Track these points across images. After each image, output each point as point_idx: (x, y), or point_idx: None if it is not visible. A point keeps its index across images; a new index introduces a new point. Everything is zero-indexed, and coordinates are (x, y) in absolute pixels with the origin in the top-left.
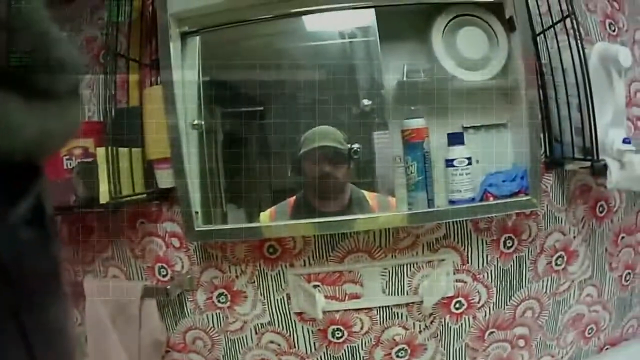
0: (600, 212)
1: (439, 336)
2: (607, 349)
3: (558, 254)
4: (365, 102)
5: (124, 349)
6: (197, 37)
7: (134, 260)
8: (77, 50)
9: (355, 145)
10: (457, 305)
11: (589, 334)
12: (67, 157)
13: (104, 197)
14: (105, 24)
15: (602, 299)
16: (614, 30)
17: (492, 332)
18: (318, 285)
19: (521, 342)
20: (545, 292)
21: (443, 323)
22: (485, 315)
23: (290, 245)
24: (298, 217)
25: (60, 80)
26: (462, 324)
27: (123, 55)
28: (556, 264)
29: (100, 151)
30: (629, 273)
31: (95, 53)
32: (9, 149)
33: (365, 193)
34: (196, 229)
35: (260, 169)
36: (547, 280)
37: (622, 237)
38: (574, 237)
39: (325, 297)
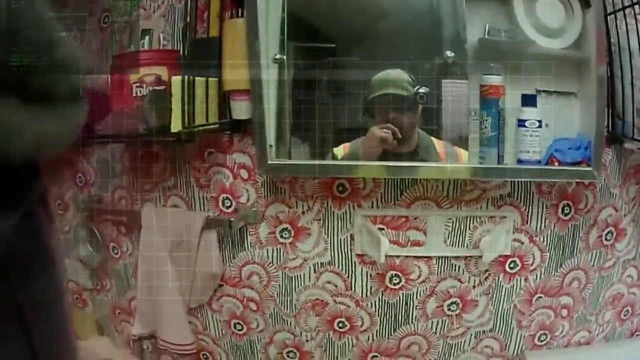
0: None
1: (490, 294)
2: (637, 335)
3: (609, 229)
4: (449, 53)
5: (176, 279)
6: None
7: (198, 190)
8: (79, 51)
9: (422, 90)
10: (512, 265)
11: (624, 315)
12: (137, 84)
13: (175, 125)
14: None
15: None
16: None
17: (539, 297)
18: (383, 229)
19: (564, 312)
20: (593, 265)
21: (496, 281)
22: (536, 278)
23: (360, 185)
24: (369, 156)
25: (60, 83)
26: (513, 285)
27: None
28: (606, 239)
29: (176, 80)
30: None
31: None
32: (7, 152)
33: (434, 140)
34: (269, 162)
35: (335, 109)
36: (596, 253)
37: None
38: (625, 215)
39: (389, 241)
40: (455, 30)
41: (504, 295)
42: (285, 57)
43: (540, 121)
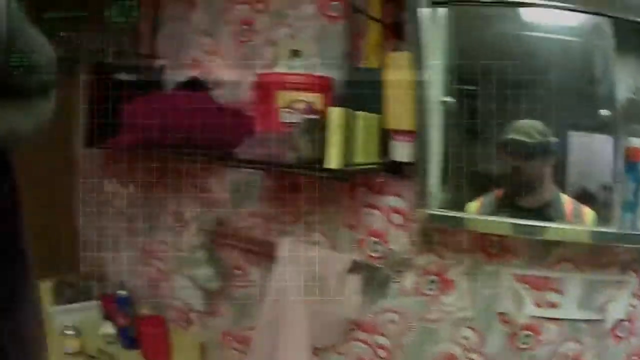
0: None
1: (600, 355)
2: None
3: None
4: (603, 112)
5: (306, 319)
6: (446, 9)
7: (344, 230)
8: (49, 48)
9: (552, 139)
10: (621, 328)
11: None
12: (287, 109)
13: (333, 161)
14: None
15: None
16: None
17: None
18: (526, 288)
19: None
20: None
21: (605, 344)
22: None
23: (509, 242)
24: (501, 211)
25: (31, 80)
26: (620, 347)
27: (360, 11)
28: None
29: (335, 111)
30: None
31: (321, 3)
32: None
33: (562, 196)
34: (428, 211)
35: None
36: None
37: None
38: None
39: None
40: (608, 89)
41: (610, 356)
42: (454, 100)
43: None
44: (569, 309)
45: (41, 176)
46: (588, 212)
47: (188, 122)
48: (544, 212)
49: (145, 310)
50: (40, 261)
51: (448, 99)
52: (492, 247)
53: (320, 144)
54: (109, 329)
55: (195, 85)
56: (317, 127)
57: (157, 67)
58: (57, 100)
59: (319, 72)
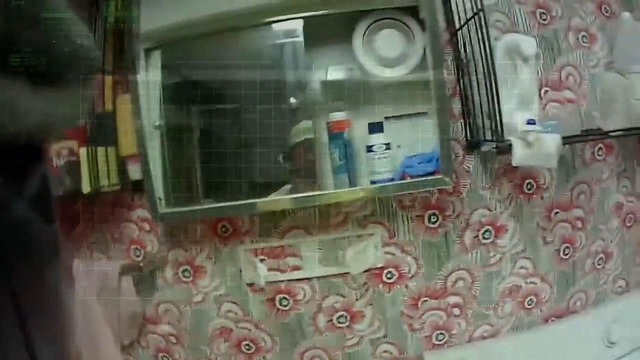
0: (529, 190)
1: (374, 304)
2: (552, 320)
3: (485, 228)
4: (292, 100)
5: (108, 321)
6: (159, 51)
7: (112, 244)
8: (91, 39)
9: None
10: (389, 275)
11: (529, 305)
12: (55, 156)
13: (85, 187)
14: None
15: (538, 271)
16: (545, 19)
17: (425, 301)
18: (264, 259)
19: (456, 311)
20: (476, 263)
21: (377, 291)
22: (417, 284)
23: (239, 224)
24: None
25: (70, 68)
26: (394, 293)
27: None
28: (484, 238)
29: (82, 151)
30: (568, 247)
31: None
32: (14, 132)
33: None
34: (160, 212)
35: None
36: (476, 253)
37: (556, 213)
38: (501, 212)
39: (270, 269)
40: (297, 77)
41: (388, 303)
42: (163, 123)
43: (388, 144)
44: (311, 269)
45: None
46: None
47: None
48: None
49: None
50: None
51: (160, 122)
52: (224, 231)
53: (79, 177)
54: None
55: None
56: (74, 166)
57: None
58: None
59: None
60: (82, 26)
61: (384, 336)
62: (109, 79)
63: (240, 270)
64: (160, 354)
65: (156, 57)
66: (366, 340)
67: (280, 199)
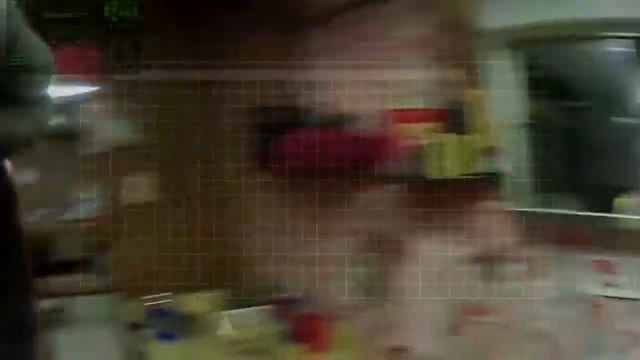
0: None
1: None
2: None
3: None
4: None
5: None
6: (515, 50)
7: (454, 231)
8: (48, 53)
9: None
10: None
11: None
12: (413, 137)
13: (451, 172)
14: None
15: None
16: None
17: None
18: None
19: None
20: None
21: None
22: None
23: (582, 232)
24: None
25: (29, 85)
26: None
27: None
28: None
29: (450, 137)
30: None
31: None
32: None
33: None
34: (517, 208)
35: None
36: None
37: None
38: None
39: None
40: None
41: None
42: (523, 121)
43: None
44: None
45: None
46: None
47: (342, 151)
48: None
49: (310, 310)
50: (209, 274)
51: (521, 120)
52: (570, 237)
53: (445, 161)
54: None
55: (338, 120)
56: (439, 149)
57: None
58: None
59: (431, 106)
60: (38, 41)
61: None
62: (458, 70)
63: (573, 277)
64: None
65: (513, 55)
66: None
67: None
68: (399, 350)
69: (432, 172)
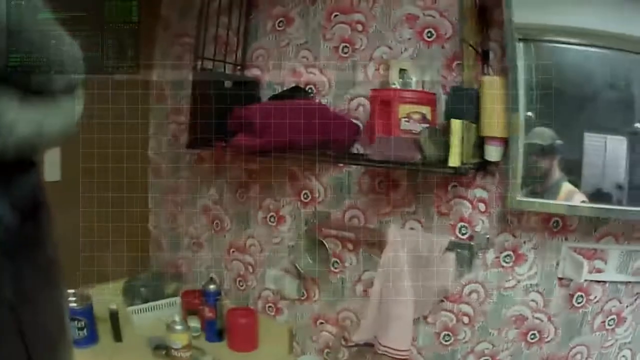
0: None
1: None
2: None
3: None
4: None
5: (412, 293)
6: (532, 44)
7: (437, 217)
8: (77, 48)
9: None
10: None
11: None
12: (405, 119)
13: (454, 160)
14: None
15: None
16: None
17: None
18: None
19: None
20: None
21: None
22: None
23: (568, 222)
24: None
25: (57, 80)
26: None
27: (465, 40)
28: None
29: (457, 122)
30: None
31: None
32: (1, 147)
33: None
34: (517, 198)
35: None
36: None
37: None
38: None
39: None
40: None
41: None
42: (534, 116)
43: None
44: (610, 274)
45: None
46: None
47: (307, 126)
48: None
49: (231, 303)
50: (115, 261)
51: (530, 114)
52: (555, 226)
53: (439, 147)
54: (194, 323)
55: (298, 92)
56: (435, 134)
57: (251, 76)
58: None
59: (424, 89)
60: (67, 37)
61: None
62: (470, 52)
63: (557, 264)
64: (443, 333)
65: (529, 49)
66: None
67: None
68: (359, 345)
69: (429, 158)
